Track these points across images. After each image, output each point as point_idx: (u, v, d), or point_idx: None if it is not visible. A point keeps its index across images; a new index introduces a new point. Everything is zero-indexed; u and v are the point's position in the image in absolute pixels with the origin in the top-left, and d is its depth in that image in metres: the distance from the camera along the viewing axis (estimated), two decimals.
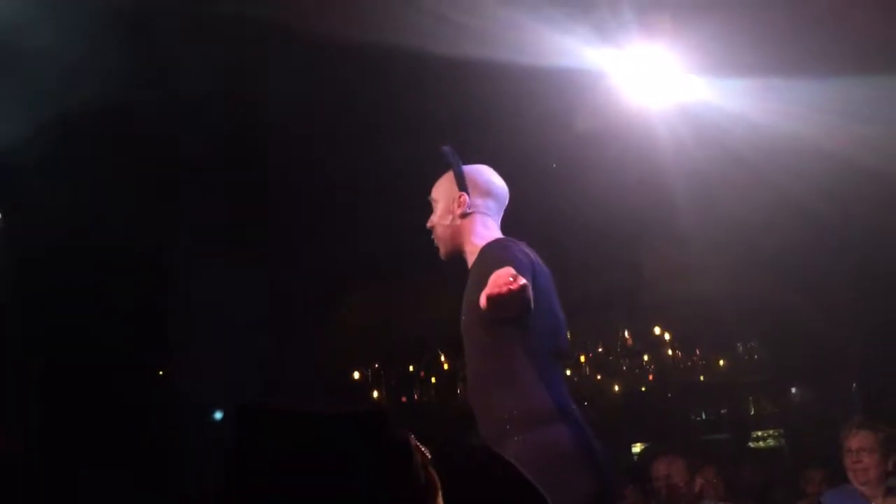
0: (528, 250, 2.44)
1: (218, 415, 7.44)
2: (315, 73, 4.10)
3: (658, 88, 4.09)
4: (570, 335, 2.59)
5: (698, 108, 4.02)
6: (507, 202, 2.62)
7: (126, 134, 4.43)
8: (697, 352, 8.53)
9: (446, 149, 2.58)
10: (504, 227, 2.63)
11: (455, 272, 2.65)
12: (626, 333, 8.28)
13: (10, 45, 3.63)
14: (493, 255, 2.32)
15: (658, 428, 8.32)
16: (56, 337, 6.08)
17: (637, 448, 8.78)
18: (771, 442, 9.67)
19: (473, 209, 2.53)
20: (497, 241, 2.47)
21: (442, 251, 2.59)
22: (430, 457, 0.98)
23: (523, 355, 2.30)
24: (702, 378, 8.71)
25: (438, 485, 0.96)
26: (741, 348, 8.58)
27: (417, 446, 0.97)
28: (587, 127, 4.33)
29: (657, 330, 8.25)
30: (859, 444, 3.38)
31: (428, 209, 2.65)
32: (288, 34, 3.68)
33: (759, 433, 9.77)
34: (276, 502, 0.89)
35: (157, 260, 6.28)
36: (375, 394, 8.48)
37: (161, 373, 7.46)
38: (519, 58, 3.69)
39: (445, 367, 8.29)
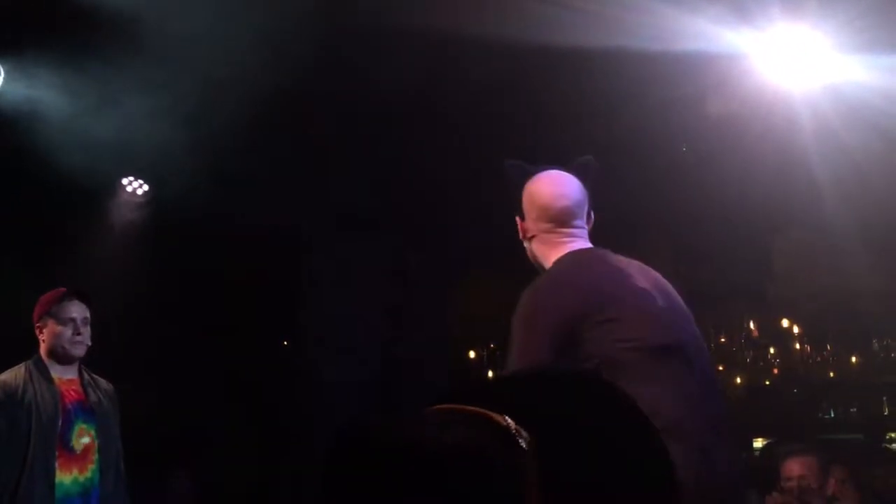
0: (595, 264, 2.24)
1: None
2: (446, 66, 4.14)
3: (801, 69, 3.90)
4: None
5: (847, 88, 3.78)
6: (568, 210, 2.34)
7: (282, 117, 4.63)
8: (829, 347, 8.16)
9: (509, 164, 2.39)
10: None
11: None
12: (752, 324, 8.00)
13: (174, 31, 3.86)
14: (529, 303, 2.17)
15: (782, 424, 8.02)
16: (190, 303, 6.41)
17: (758, 443, 8.49)
18: None
19: (533, 233, 2.37)
20: (556, 266, 2.26)
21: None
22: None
23: None
24: (832, 375, 8.33)
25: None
26: (877, 346, 8.14)
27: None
28: (724, 111, 4.19)
29: (785, 322, 7.93)
30: None
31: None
32: (424, 29, 3.72)
33: (893, 435, 9.26)
34: None
35: (294, 238, 6.53)
36: (490, 373, 8.56)
37: (285, 343, 7.76)
38: (652, 44, 3.61)
39: None
